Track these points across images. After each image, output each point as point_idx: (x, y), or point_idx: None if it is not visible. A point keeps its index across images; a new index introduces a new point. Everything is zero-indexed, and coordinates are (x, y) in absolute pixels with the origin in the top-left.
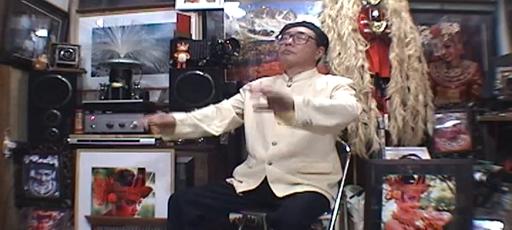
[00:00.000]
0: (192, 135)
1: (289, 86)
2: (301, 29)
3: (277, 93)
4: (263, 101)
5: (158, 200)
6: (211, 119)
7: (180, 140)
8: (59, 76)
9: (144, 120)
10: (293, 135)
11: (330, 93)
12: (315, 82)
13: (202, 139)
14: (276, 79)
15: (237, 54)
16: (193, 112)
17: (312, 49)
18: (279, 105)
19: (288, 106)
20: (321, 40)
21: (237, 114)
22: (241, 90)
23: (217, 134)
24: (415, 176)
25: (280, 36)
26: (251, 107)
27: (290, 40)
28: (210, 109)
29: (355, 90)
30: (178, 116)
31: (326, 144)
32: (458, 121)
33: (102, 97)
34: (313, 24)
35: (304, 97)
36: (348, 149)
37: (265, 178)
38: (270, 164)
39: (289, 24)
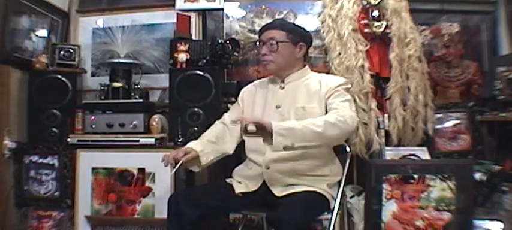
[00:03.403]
0: (215, 159)
1: (283, 88)
2: (271, 33)
3: (258, 122)
4: (251, 127)
5: (158, 200)
6: (223, 137)
7: (180, 140)
8: (59, 76)
9: (169, 158)
10: None
11: (324, 98)
12: (308, 82)
13: None
14: (269, 82)
15: (237, 54)
16: (205, 136)
17: (289, 51)
18: (262, 131)
19: (268, 132)
20: (297, 37)
21: None
22: (238, 99)
23: (232, 152)
24: (415, 176)
25: (257, 44)
26: (248, 112)
27: (264, 49)
28: (218, 127)
29: (349, 89)
30: (197, 146)
31: (323, 146)
32: (458, 121)
33: (102, 97)
34: (284, 23)
35: (285, 124)
36: (348, 149)
37: (264, 180)
38: (268, 168)
39: (263, 27)
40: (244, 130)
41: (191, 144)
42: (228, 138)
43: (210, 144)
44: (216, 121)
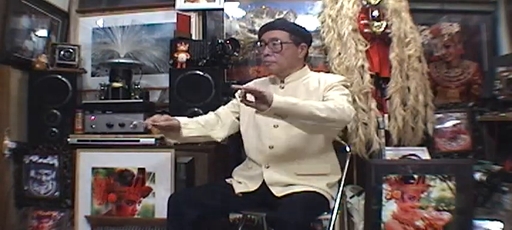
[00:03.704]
0: (197, 139)
1: (282, 88)
2: (274, 34)
3: (260, 92)
4: (250, 97)
5: (158, 200)
6: (213, 125)
7: None
8: (59, 76)
9: (147, 121)
10: (289, 138)
11: (322, 93)
12: (308, 81)
13: None
14: (269, 81)
15: (237, 54)
16: (195, 118)
17: (292, 51)
18: (260, 100)
19: (268, 101)
20: (300, 38)
21: (236, 118)
22: (236, 94)
23: (219, 140)
24: (415, 176)
25: (258, 44)
26: (246, 111)
27: (266, 49)
28: (210, 115)
29: (348, 87)
30: (182, 119)
31: (323, 145)
32: (458, 121)
33: (102, 97)
34: (286, 23)
35: (287, 99)
36: (347, 149)
37: (264, 180)
38: (268, 167)
39: (264, 26)
40: (243, 98)
41: (177, 118)
42: (218, 128)
43: (197, 124)
44: (210, 112)
